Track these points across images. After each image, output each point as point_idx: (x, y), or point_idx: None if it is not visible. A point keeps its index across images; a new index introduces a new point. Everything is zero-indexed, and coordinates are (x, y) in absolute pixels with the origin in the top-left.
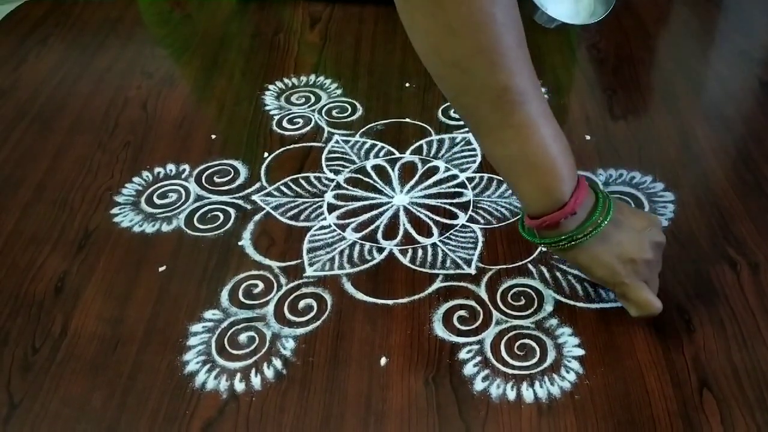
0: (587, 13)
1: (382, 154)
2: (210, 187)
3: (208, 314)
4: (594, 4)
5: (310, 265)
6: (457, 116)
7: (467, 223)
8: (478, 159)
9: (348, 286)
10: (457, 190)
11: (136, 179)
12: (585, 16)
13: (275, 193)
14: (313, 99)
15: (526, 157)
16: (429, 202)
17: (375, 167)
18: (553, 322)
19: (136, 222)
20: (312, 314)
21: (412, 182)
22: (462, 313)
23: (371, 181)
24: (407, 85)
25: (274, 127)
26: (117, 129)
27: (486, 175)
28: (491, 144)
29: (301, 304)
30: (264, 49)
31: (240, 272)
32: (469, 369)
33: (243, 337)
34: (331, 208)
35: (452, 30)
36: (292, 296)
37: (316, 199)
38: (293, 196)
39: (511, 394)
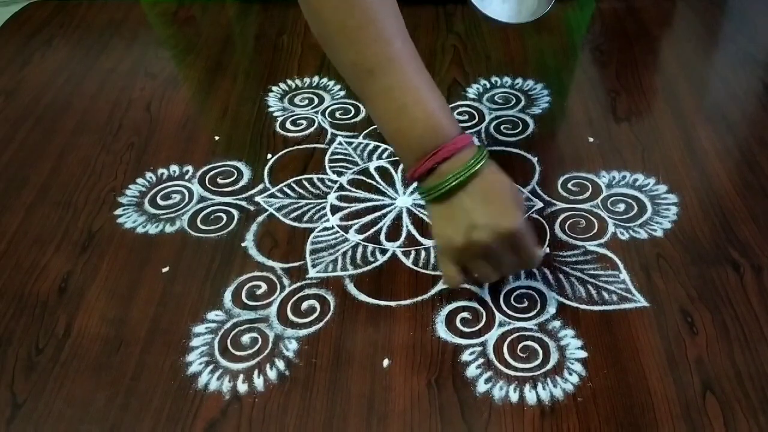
0: (529, 12)
1: (385, 155)
2: (213, 189)
3: (211, 315)
4: (537, 3)
5: (313, 266)
6: (460, 118)
7: None
8: None
9: (351, 288)
10: None
11: (139, 180)
12: (526, 15)
13: (278, 194)
14: (316, 100)
15: (389, 120)
16: None
17: (378, 169)
18: (556, 324)
19: (139, 223)
20: (315, 315)
21: (415, 183)
22: (465, 314)
23: (374, 183)
24: None
25: (278, 129)
26: (121, 130)
27: None
28: (366, 107)
29: (304, 305)
30: (267, 50)
31: (243, 273)
32: (471, 371)
33: (246, 338)
34: (334, 209)
35: (309, 12)
36: (295, 297)
37: (319, 201)
38: (296, 198)
39: (514, 396)
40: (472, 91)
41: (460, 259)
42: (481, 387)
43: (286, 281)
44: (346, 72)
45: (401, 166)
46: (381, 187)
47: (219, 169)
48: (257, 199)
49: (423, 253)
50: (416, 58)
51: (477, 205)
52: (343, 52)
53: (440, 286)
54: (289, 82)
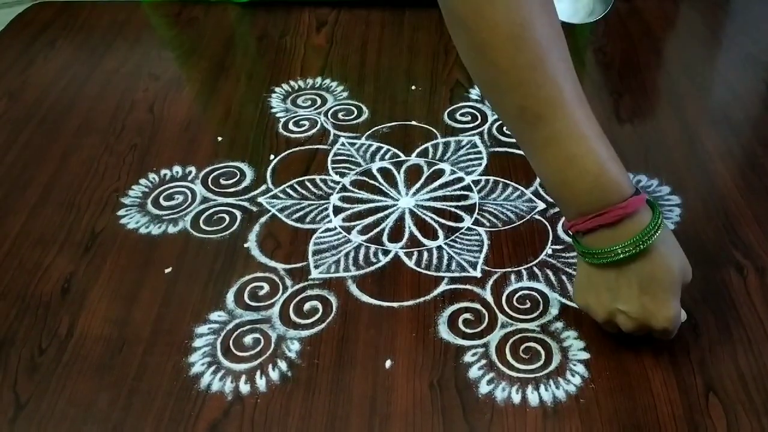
0: (586, 12)
1: (387, 156)
2: (216, 189)
3: (214, 316)
4: (593, 3)
5: (316, 267)
6: (463, 119)
7: (473, 226)
8: (484, 162)
9: (353, 289)
10: (462, 192)
11: (142, 181)
12: (583, 15)
13: (281, 195)
14: (319, 101)
15: (555, 171)
16: (434, 204)
17: (381, 170)
18: (559, 325)
19: (142, 224)
20: (317, 316)
21: (418, 185)
22: (467, 316)
23: (377, 184)
24: (413, 87)
25: (280, 130)
26: (124, 131)
27: (492, 178)
28: (528, 156)
29: (307, 306)
30: (270, 51)
31: (246, 274)
32: (474, 372)
33: (248, 339)
34: (337, 210)
35: (472, 49)
36: (297, 298)
37: (322, 202)
38: (299, 199)
39: (516, 398)
40: (475, 92)
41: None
42: (484, 388)
43: (288, 282)
44: (509, 117)
45: (404, 167)
46: (383, 188)
47: (222, 170)
48: (260, 200)
49: (425, 254)
50: (584, 101)
51: (631, 290)
52: (510, 95)
53: (443, 287)
54: (292, 83)
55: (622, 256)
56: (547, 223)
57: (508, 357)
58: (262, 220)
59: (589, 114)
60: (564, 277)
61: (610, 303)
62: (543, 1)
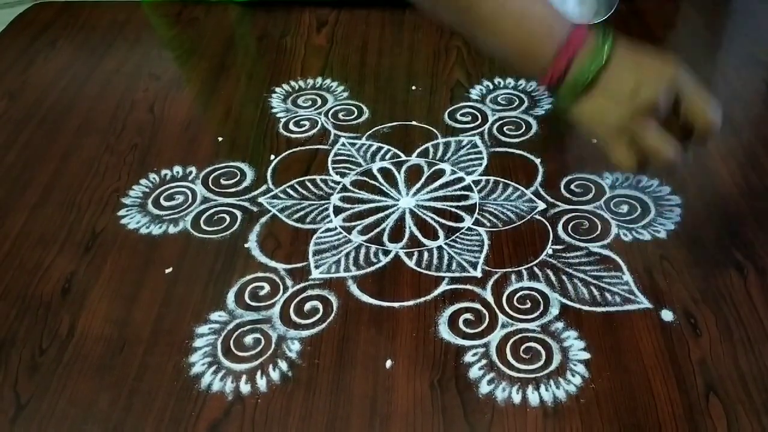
0: (591, 14)
1: (388, 156)
2: (216, 189)
3: (214, 316)
4: (598, 5)
5: (316, 267)
6: (463, 119)
7: (473, 226)
8: (484, 162)
9: (354, 289)
10: (463, 193)
11: (143, 181)
12: (588, 18)
13: (281, 195)
14: (319, 102)
15: (515, 28)
16: (435, 204)
17: (381, 170)
18: (559, 325)
19: (143, 224)
20: (318, 316)
21: (418, 185)
22: (468, 316)
23: (377, 184)
24: (414, 87)
25: (281, 130)
26: (124, 131)
27: (492, 178)
28: (486, 39)
29: (307, 306)
30: (271, 52)
31: (246, 274)
32: (474, 372)
33: (249, 339)
34: (337, 210)
35: None
36: (297, 298)
37: (322, 202)
38: (299, 199)
39: (517, 398)
40: (475, 92)
41: (629, 131)
42: (484, 388)
43: (289, 282)
44: (452, 5)
45: (405, 167)
46: (384, 188)
47: (222, 170)
48: (260, 200)
49: (426, 254)
50: None
51: (631, 67)
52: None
53: (444, 287)
54: (293, 83)
55: (605, 52)
56: (547, 223)
57: (509, 357)
58: (263, 220)
59: None
60: (564, 278)
61: (627, 89)
62: None
